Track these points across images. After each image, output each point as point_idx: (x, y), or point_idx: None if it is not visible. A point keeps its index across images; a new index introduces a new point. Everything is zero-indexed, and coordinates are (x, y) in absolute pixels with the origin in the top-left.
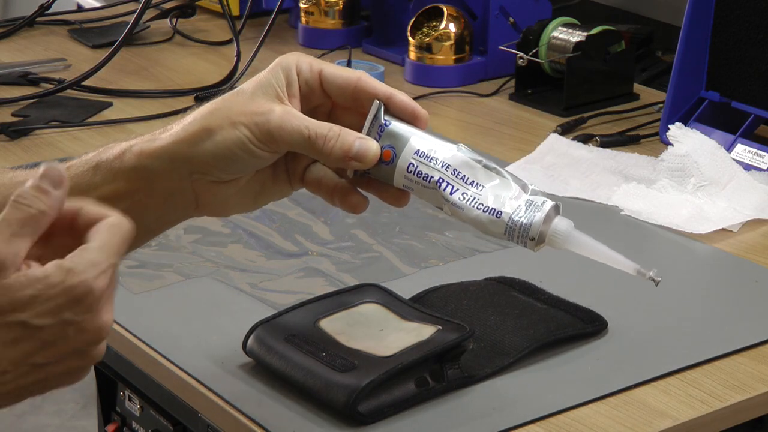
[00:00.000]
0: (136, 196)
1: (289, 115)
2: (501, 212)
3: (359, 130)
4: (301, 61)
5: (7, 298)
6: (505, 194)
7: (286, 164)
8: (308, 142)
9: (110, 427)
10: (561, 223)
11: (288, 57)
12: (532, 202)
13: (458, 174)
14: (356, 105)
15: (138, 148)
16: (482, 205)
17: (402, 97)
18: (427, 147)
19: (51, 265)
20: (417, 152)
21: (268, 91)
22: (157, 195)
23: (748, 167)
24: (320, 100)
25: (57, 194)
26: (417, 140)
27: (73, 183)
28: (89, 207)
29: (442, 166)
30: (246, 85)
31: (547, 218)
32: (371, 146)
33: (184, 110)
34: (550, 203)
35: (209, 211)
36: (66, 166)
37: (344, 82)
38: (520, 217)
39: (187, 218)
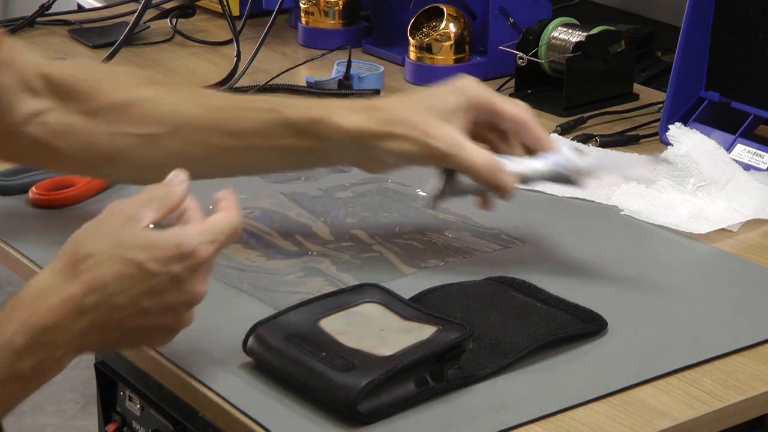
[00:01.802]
0: (310, 155)
1: (457, 146)
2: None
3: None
4: (480, 94)
5: (130, 237)
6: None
7: None
8: (466, 171)
9: (110, 427)
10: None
11: (469, 86)
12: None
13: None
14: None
15: (334, 122)
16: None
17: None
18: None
19: (168, 229)
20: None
21: (445, 114)
22: (327, 159)
23: (747, 167)
24: (479, 125)
25: (181, 187)
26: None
27: (257, 126)
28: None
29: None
30: (426, 97)
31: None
32: (510, 185)
33: None
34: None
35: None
36: (243, 102)
37: (511, 123)
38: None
39: None
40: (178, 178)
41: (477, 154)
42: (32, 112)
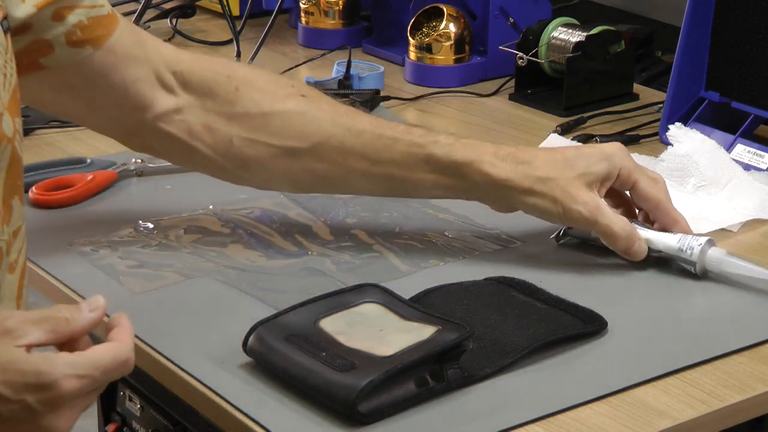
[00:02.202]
0: (447, 190)
1: (598, 212)
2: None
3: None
4: (624, 167)
5: None
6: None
7: None
8: (603, 236)
9: (110, 427)
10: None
11: (617, 156)
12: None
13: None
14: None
15: (482, 169)
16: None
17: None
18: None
19: (38, 353)
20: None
21: (589, 179)
22: (462, 195)
23: (747, 167)
24: (616, 193)
25: (89, 315)
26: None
27: (398, 157)
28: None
29: None
30: (575, 159)
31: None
32: (644, 252)
33: None
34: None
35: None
36: (386, 130)
37: (647, 204)
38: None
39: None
40: (91, 305)
41: (616, 221)
42: (171, 108)
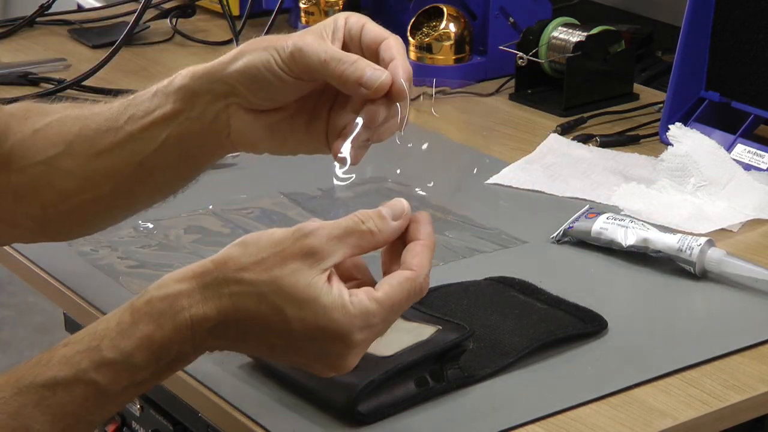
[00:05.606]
0: (180, 118)
1: (315, 43)
2: None
3: None
4: (352, 14)
5: (294, 282)
6: None
7: (323, 119)
8: (323, 65)
9: (110, 427)
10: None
11: (346, 12)
12: None
13: None
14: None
15: (186, 71)
16: None
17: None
18: None
19: (337, 292)
20: None
21: (314, 30)
22: (197, 118)
23: (748, 167)
24: (358, 51)
25: (393, 224)
26: None
27: (136, 110)
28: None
29: None
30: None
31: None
32: (380, 75)
33: None
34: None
35: (240, 142)
36: (132, 96)
37: (372, 39)
38: None
39: (223, 152)
40: (395, 212)
41: (330, 47)
42: None
